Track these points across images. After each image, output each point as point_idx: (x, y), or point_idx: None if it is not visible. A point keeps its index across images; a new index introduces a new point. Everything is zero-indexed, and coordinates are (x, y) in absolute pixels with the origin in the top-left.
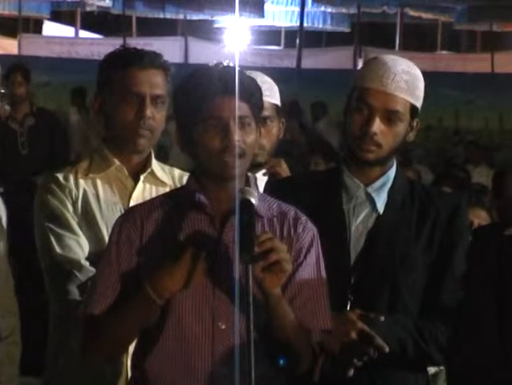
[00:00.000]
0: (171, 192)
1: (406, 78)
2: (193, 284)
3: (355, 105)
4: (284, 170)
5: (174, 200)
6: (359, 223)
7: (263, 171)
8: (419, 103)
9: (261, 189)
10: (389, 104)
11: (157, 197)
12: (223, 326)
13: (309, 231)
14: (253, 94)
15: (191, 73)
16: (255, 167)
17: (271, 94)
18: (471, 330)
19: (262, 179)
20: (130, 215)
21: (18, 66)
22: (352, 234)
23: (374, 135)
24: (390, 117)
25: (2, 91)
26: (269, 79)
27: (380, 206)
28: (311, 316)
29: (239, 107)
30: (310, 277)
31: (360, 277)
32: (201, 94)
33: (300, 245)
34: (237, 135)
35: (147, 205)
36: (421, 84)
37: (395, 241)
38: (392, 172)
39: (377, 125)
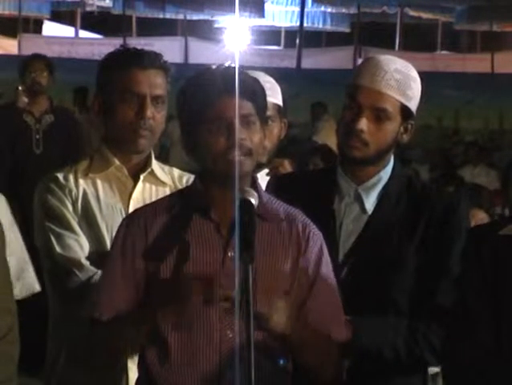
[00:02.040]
0: (176, 194)
1: (398, 77)
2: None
3: (347, 102)
4: (287, 170)
5: (180, 204)
6: (349, 222)
7: (266, 171)
8: (412, 104)
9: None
10: (377, 102)
11: (162, 200)
12: (230, 335)
13: (317, 239)
14: (256, 93)
15: (193, 75)
16: (257, 167)
17: (273, 94)
18: (466, 330)
19: (264, 179)
20: (135, 218)
21: (41, 56)
22: (342, 233)
23: (360, 132)
24: (378, 115)
25: (20, 88)
26: (271, 79)
27: (369, 207)
28: (332, 325)
29: (243, 106)
30: (328, 289)
31: (347, 275)
32: (204, 96)
33: (310, 254)
34: (239, 133)
35: (152, 208)
36: (415, 85)
37: (384, 241)
38: (385, 172)
39: (364, 122)
